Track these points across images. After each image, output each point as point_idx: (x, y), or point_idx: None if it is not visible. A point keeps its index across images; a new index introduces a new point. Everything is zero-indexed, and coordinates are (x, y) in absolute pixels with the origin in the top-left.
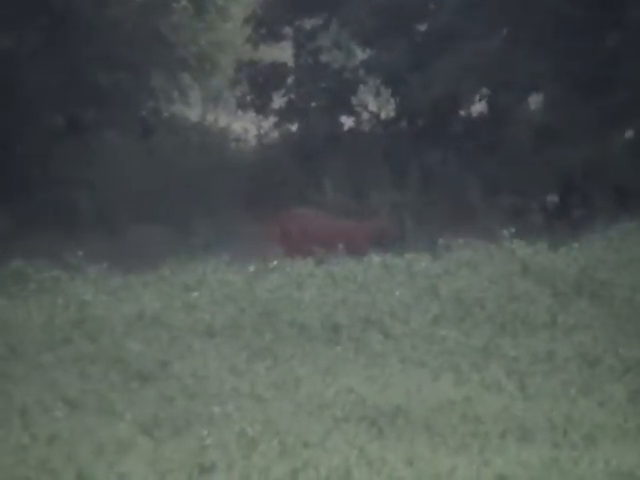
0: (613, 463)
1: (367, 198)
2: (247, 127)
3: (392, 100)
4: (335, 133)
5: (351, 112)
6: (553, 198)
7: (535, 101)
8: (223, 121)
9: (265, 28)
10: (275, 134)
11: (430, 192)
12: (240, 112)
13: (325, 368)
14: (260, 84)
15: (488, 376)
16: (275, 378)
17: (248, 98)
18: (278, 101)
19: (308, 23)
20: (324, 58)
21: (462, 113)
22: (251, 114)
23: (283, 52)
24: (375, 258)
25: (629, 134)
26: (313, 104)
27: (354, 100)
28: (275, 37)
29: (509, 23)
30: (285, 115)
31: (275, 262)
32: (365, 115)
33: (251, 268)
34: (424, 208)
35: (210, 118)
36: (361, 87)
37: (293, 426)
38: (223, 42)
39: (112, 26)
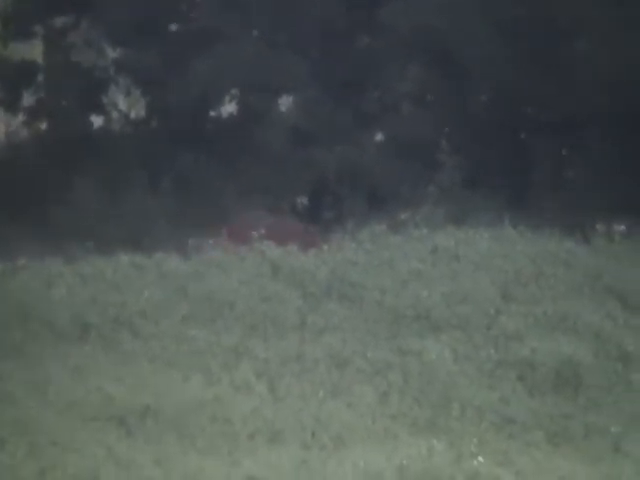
0: (361, 464)
1: (119, 198)
2: None
3: (142, 100)
4: (85, 132)
5: (101, 111)
6: (303, 200)
7: (286, 103)
8: None
9: (15, 25)
10: (25, 132)
11: (181, 193)
12: None
13: (74, 367)
14: (9, 82)
15: (238, 377)
16: (25, 377)
17: None
18: (28, 99)
19: (59, 21)
20: (74, 56)
21: (213, 114)
22: (0, 112)
23: (34, 50)
24: (124, 257)
25: (379, 137)
26: (63, 102)
27: (104, 99)
28: (25, 35)
29: (262, 25)
30: (35, 113)
31: (24, 261)
32: (115, 114)
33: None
34: (175, 208)
35: None
36: (112, 86)
37: (42, 425)
38: None
39: None
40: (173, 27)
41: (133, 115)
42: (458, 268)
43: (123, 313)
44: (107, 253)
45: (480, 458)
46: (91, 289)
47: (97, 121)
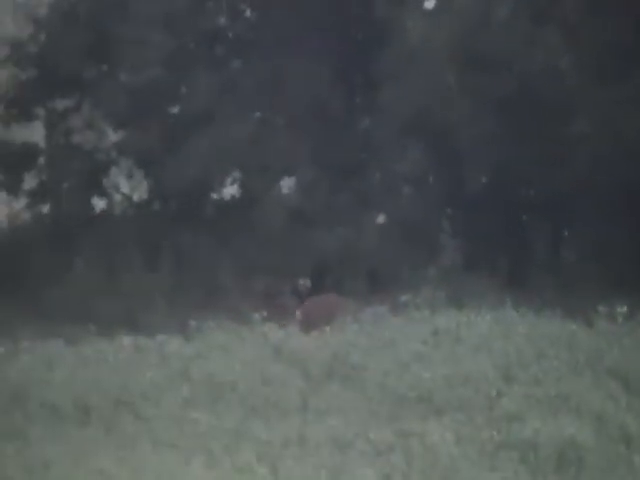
0: None
1: (119, 279)
2: None
3: (145, 182)
4: (87, 215)
5: (103, 194)
6: (305, 281)
7: (288, 185)
8: None
9: (17, 108)
10: (27, 215)
11: (182, 274)
12: None
13: (76, 450)
14: (11, 164)
15: (240, 459)
16: (25, 460)
17: None
18: (29, 182)
19: (60, 103)
20: (76, 139)
21: (214, 196)
22: (2, 195)
23: (35, 132)
24: (126, 339)
25: (380, 219)
26: (65, 185)
27: (106, 182)
28: (27, 117)
29: (262, 107)
30: (36, 196)
31: (25, 343)
32: (117, 197)
33: (1, 349)
34: (176, 289)
35: None
36: (113, 168)
37: None
38: None
39: None
40: (173, 109)
41: (136, 197)
42: (459, 350)
43: (124, 395)
44: (108, 335)
45: None
46: (92, 370)
47: (100, 204)
